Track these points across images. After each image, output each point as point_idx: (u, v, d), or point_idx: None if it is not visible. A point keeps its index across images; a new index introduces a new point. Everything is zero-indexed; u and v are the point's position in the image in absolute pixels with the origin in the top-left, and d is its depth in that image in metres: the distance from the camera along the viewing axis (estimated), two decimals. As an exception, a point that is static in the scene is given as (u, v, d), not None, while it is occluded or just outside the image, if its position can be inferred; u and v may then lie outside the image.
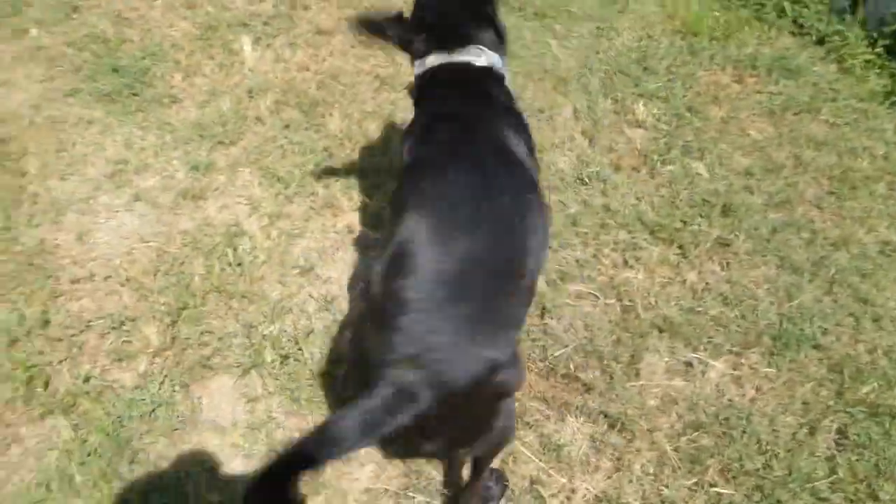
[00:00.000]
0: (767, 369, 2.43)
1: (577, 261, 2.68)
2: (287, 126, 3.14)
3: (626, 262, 2.70)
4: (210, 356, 2.36)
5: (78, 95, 3.24)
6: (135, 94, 3.24)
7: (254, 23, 3.70)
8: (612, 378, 2.36)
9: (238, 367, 2.33)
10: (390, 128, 3.17)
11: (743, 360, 2.45)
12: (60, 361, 2.34)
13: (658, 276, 2.66)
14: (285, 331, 2.42)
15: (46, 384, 2.28)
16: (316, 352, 2.36)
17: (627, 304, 2.57)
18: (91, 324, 2.44)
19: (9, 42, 3.47)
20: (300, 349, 2.35)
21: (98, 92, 3.23)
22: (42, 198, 2.82)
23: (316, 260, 2.65)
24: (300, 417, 2.23)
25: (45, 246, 2.65)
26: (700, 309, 2.57)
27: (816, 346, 2.48)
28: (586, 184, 2.97)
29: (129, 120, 3.14)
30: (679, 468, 2.17)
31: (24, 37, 3.50)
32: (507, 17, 3.71)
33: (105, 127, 3.10)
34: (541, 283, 2.57)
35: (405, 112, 3.23)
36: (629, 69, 3.52)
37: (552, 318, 2.50)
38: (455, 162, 1.68)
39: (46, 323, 2.43)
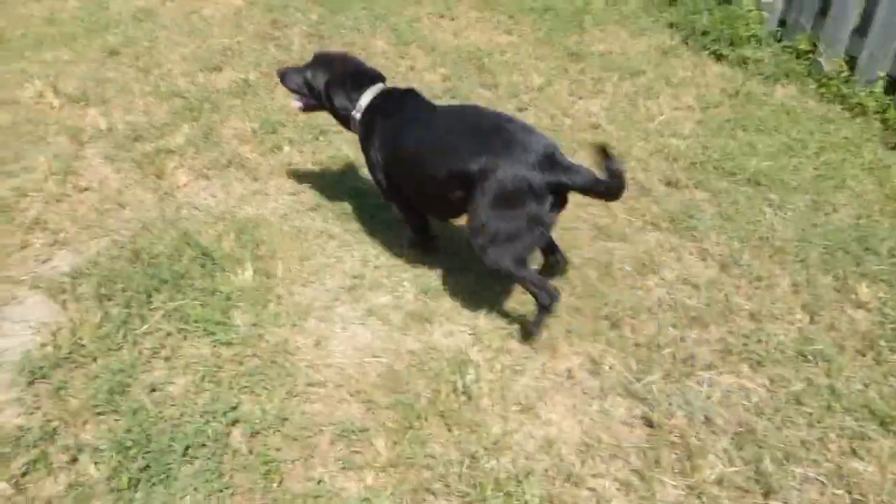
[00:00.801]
0: None
1: (802, 442, 2.60)
2: (509, 262, 3.29)
3: (854, 452, 2.58)
4: (432, 481, 2.43)
5: (320, 211, 3.57)
6: (371, 216, 3.53)
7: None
8: (842, 577, 2.23)
9: (459, 496, 2.39)
10: (607, 277, 3.26)
11: None
12: (294, 461, 2.48)
13: (890, 473, 2.52)
14: (505, 467, 2.46)
15: (281, 481, 2.42)
16: (536, 495, 2.38)
17: (857, 497, 2.44)
18: (323, 428, 2.59)
19: (266, 156, 3.91)
20: (522, 490, 2.38)
21: (338, 210, 3.55)
22: (286, 300, 3.08)
23: (535, 400, 2.71)
24: (519, 560, 2.24)
25: (287, 346, 2.88)
26: (939, 517, 2.41)
27: None
28: (809, 361, 2.90)
29: (365, 238, 3.40)
30: None
31: (278, 153, 3.94)
32: (719, 182, 3.83)
33: (343, 243, 3.38)
34: (765, 461, 2.51)
35: (622, 262, 3.33)
36: (849, 246, 3.47)
37: (777, 501, 2.42)
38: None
39: (284, 420, 2.60)
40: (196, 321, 2.94)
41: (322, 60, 3.25)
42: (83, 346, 2.82)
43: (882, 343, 2.97)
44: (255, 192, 3.68)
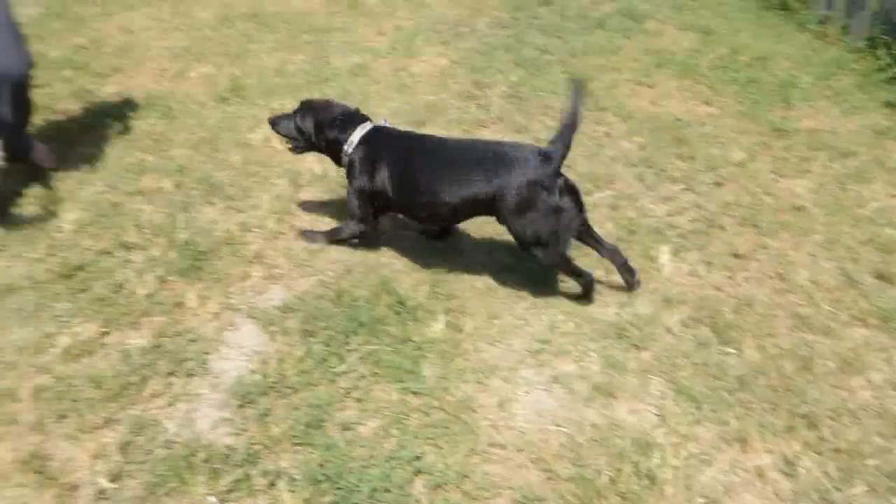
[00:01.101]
0: None
1: None
2: (701, 344, 3.21)
3: None
4: (610, 564, 2.39)
5: (511, 271, 3.66)
6: (562, 281, 3.57)
7: (670, 234, 3.93)
8: None
9: (637, 585, 2.33)
10: (806, 372, 3.09)
11: None
12: (477, 521, 2.54)
13: None
14: (688, 563, 2.38)
15: (458, 540, 2.48)
16: None
17: None
18: (502, 492, 2.62)
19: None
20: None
21: (529, 272, 3.62)
22: (473, 357, 3.17)
23: (722, 494, 2.60)
24: None
25: (471, 403, 2.95)
26: None
27: None
28: None
29: (553, 303, 3.45)
30: None
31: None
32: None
33: (532, 305, 3.45)
34: None
35: (824, 358, 3.14)
36: None
37: None
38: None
39: (465, 477, 2.66)
40: (388, 367, 3.09)
41: (309, 106, 3.71)
42: (286, 377, 3.05)
43: None
44: (450, 248, 3.83)
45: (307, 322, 3.32)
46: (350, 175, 3.60)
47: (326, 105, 3.73)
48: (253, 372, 3.08)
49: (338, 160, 3.69)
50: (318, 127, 3.64)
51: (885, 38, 5.99)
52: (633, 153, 4.74)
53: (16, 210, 4.06)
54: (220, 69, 5.80)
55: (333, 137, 3.61)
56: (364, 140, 3.56)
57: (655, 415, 2.90)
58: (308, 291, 3.51)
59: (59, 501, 2.59)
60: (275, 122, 3.79)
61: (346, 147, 3.58)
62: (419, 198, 3.44)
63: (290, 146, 3.81)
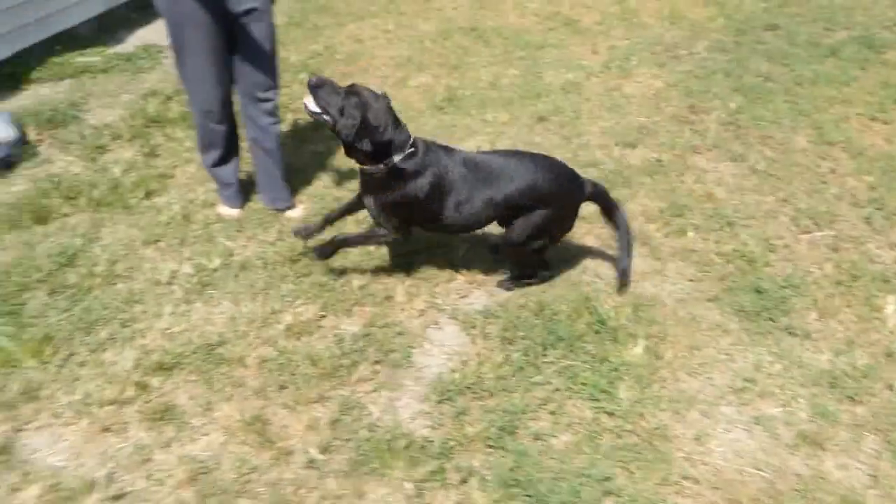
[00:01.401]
0: None
1: None
2: (927, 407, 2.95)
3: None
4: None
5: (718, 303, 3.55)
6: (770, 319, 3.41)
7: (900, 283, 3.63)
8: None
9: None
10: None
11: None
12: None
13: None
14: None
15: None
16: None
17: None
18: (696, 527, 2.56)
19: (670, 238, 4.02)
20: None
21: (737, 306, 3.50)
22: (670, 385, 3.12)
23: (942, 574, 2.38)
24: None
25: (665, 432, 2.91)
26: None
27: None
28: None
29: (760, 341, 3.31)
30: None
31: (682, 236, 4.01)
32: None
33: (737, 341, 3.32)
34: None
35: None
36: None
37: None
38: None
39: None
40: (583, 384, 3.11)
41: (362, 98, 3.19)
42: (484, 380, 3.16)
43: None
44: (655, 272, 3.78)
45: (507, 329, 3.42)
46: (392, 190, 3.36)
47: (378, 111, 3.21)
48: (453, 371, 3.22)
49: (355, 157, 3.35)
50: (363, 128, 3.19)
51: None
52: (861, 193, 4.42)
53: (254, 197, 4.51)
54: (437, 79, 6.10)
55: (374, 149, 3.26)
56: (408, 157, 3.29)
57: (868, 475, 2.71)
58: (510, 300, 3.61)
59: (275, 463, 2.86)
60: (319, 85, 3.22)
61: (381, 165, 3.29)
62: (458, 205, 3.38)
63: (313, 109, 3.25)
